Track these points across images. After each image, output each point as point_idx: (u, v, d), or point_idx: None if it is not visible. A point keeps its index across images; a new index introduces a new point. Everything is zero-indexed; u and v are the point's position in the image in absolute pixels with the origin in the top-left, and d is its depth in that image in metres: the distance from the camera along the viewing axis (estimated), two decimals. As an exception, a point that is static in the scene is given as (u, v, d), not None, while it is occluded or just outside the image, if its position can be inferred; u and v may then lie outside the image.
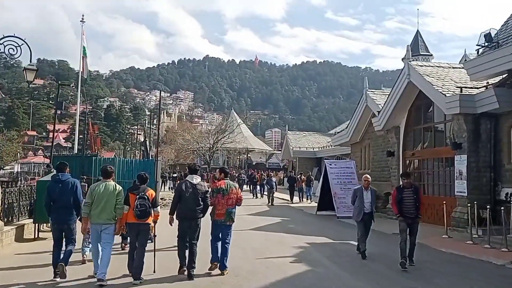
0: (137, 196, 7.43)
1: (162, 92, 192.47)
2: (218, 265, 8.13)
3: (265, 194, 28.53)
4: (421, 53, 42.80)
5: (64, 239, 7.63)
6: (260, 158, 67.34)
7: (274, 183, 26.53)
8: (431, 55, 44.69)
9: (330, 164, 20.50)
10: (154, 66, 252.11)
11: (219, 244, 8.16)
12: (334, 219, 18.78)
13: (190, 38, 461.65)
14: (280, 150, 69.64)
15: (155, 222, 7.76)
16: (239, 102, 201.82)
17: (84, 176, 19.79)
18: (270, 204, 24.92)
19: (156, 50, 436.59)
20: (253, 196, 30.90)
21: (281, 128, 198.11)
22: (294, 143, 41.88)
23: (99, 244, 7.57)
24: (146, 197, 7.43)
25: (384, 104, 19.77)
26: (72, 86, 27.84)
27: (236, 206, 8.40)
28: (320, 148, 40.48)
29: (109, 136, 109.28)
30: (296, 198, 27.35)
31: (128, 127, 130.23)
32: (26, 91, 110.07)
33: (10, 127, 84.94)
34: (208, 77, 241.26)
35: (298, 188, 27.55)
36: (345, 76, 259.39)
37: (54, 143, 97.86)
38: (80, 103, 50.44)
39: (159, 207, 7.86)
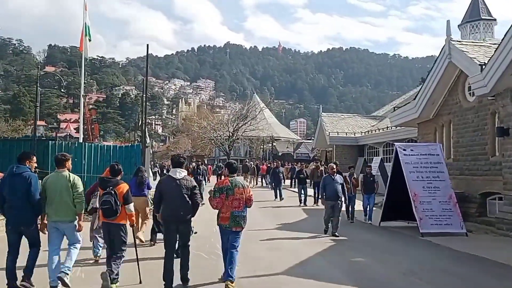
0: (104, 192, 6.55)
1: (181, 81, 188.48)
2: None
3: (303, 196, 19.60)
4: (483, 17, 34.56)
5: (28, 245, 6.39)
6: (287, 148, 59.82)
7: (336, 187, 11.77)
8: (495, 19, 36.39)
9: (405, 150, 13.08)
10: (172, 54, 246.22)
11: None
12: (416, 237, 11.62)
13: (208, 25, 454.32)
14: (310, 139, 62.26)
15: (131, 225, 6.76)
16: (262, 90, 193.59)
17: (36, 168, 14.12)
18: (334, 234, 11.43)
19: (173, 37, 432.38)
20: (301, 202, 19.45)
21: (306, 118, 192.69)
22: (330, 128, 34.11)
23: (57, 247, 6.41)
24: (112, 192, 6.43)
25: (495, 53, 12.25)
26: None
27: (247, 208, 6.81)
28: (363, 133, 32.77)
29: (124, 126, 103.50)
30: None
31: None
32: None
33: (16, 116, 79.65)
34: (230, 65, 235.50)
35: (348, 197, 13.67)
36: (372, 64, 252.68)
37: (64, 134, 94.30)
38: (83, 86, 44.09)
39: (131, 205, 6.59)
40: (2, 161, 15.85)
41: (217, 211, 6.82)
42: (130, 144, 20.66)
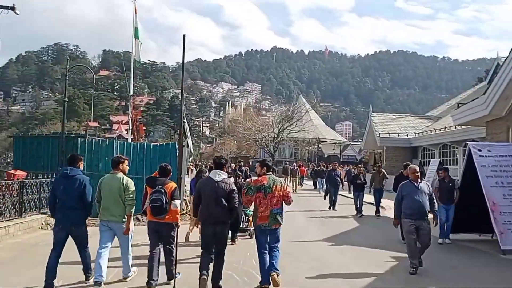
0: (153, 190, 6.54)
1: (229, 84, 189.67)
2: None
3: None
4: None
5: (76, 245, 6.70)
6: (333, 150, 57.71)
7: (423, 199, 8.05)
8: None
9: (480, 150, 11.08)
10: (221, 58, 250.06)
11: (267, 256, 6.44)
12: (496, 255, 9.64)
13: (255, 31, 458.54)
14: (357, 141, 59.73)
15: (176, 224, 6.71)
16: (308, 94, 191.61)
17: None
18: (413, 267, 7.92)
19: (221, 43, 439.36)
20: (358, 212, 16.48)
21: (352, 121, 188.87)
22: (380, 128, 31.88)
23: (107, 245, 6.64)
24: (162, 190, 6.49)
25: None
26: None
27: (285, 206, 6.78)
28: (417, 134, 30.42)
29: (173, 128, 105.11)
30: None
31: (193, 119, 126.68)
32: (90, 82, 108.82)
33: (70, 117, 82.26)
34: (276, 69, 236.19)
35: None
36: (420, 66, 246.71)
37: (116, 134, 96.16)
38: (132, 88, 44.04)
39: (178, 201, 6.63)
40: (31, 157, 15.48)
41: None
42: (164, 143, 19.61)
